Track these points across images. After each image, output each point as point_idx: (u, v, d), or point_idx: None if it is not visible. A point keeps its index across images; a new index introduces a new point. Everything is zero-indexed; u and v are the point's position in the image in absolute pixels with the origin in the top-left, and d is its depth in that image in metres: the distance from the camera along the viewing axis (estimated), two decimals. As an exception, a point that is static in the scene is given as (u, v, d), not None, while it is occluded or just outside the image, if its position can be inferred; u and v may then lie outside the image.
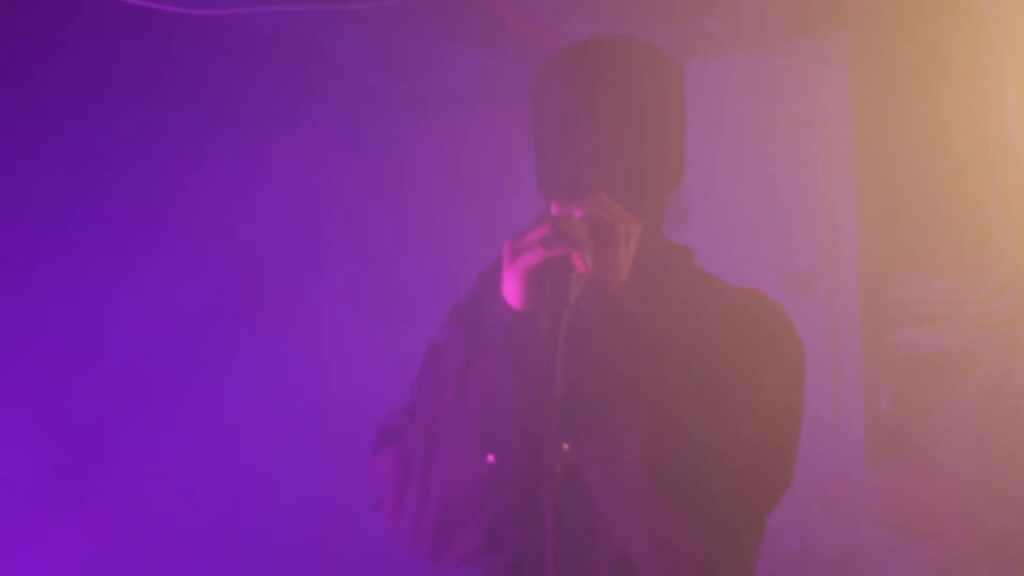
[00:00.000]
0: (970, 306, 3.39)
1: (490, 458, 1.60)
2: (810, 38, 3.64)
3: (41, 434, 3.28)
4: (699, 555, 1.60)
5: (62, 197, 3.33)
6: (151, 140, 3.49)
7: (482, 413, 1.62)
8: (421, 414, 1.72)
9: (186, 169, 3.59)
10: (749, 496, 1.64)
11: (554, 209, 1.63)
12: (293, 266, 3.89)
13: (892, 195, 3.56)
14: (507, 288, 1.59)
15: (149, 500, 3.49)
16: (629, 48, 1.80)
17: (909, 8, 3.49)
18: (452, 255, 3.90)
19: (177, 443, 3.54)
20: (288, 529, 3.75)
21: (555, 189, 1.75)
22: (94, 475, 3.40)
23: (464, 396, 1.65)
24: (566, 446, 1.62)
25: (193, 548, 3.55)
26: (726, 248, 3.63)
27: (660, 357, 1.62)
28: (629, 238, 1.60)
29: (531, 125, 1.84)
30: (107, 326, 3.43)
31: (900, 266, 3.55)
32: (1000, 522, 3.29)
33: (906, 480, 3.46)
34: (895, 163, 3.56)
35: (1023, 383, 3.32)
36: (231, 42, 3.50)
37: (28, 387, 3.28)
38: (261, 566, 3.66)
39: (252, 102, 3.70)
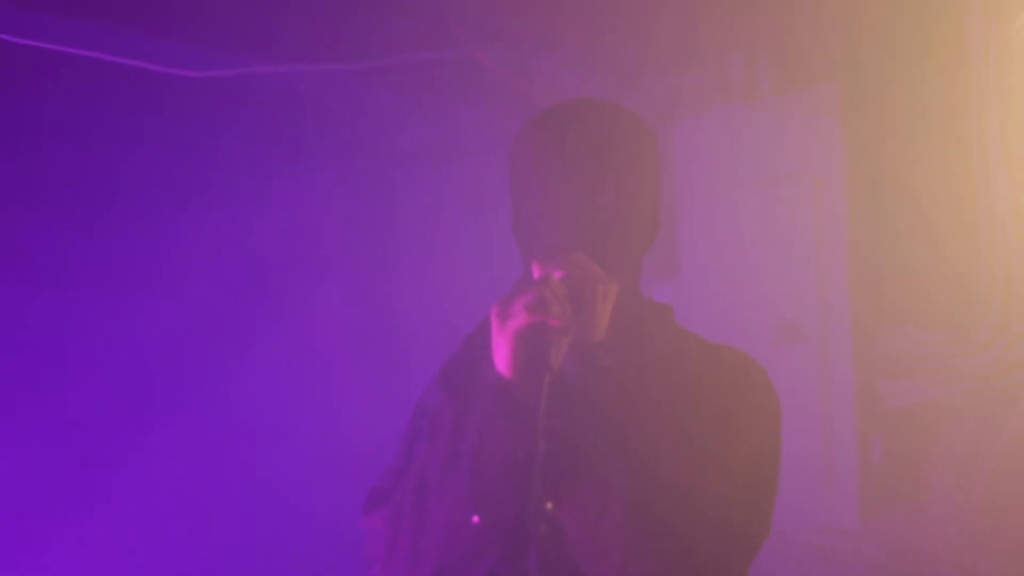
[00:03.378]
0: (960, 358, 3.41)
1: (475, 519, 1.64)
2: (800, 92, 3.68)
3: (43, 438, 3.37)
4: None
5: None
6: (148, 191, 3.61)
7: (473, 474, 1.65)
8: (411, 475, 1.75)
9: (188, 216, 3.69)
10: (730, 547, 1.68)
11: (535, 271, 1.67)
12: (286, 308, 3.97)
13: (882, 247, 3.59)
14: (497, 352, 1.65)
15: (149, 506, 3.56)
16: (601, 112, 1.85)
17: (899, 62, 3.53)
18: (442, 298, 3.98)
19: (178, 452, 3.62)
20: (288, 539, 3.80)
21: (533, 248, 1.80)
22: (94, 481, 3.48)
23: (455, 458, 1.69)
24: (550, 505, 1.65)
25: (191, 554, 3.62)
26: (717, 300, 3.66)
27: (639, 414, 1.66)
28: (606, 298, 1.66)
29: (509, 186, 1.89)
30: (113, 334, 3.52)
31: (891, 318, 3.57)
32: (993, 572, 3.29)
33: (899, 530, 3.47)
34: (885, 215, 3.59)
35: (1014, 434, 3.33)
36: (230, 98, 3.59)
37: (30, 393, 3.37)
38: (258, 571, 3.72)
39: (251, 152, 3.81)
